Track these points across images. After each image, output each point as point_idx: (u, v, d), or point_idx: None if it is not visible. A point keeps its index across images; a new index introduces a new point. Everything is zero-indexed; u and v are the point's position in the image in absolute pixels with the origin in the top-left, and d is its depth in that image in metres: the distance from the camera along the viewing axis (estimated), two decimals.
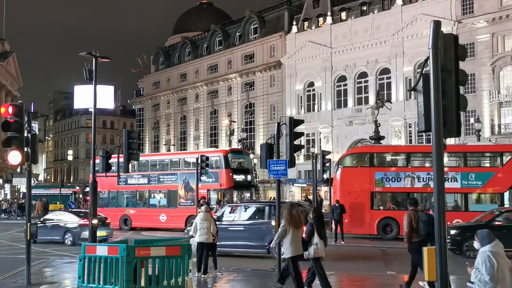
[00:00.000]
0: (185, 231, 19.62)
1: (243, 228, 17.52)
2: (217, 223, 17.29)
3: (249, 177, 30.23)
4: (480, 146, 26.89)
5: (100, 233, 20.24)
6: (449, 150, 24.51)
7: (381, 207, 24.81)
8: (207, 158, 29.50)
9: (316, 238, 10.17)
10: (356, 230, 24.35)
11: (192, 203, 28.45)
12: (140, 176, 32.24)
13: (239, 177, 29.23)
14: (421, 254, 10.78)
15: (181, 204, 29.74)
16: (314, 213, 10.72)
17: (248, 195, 29.90)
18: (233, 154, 30.37)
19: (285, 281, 11.20)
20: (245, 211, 18.40)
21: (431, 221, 10.56)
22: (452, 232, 17.95)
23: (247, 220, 17.91)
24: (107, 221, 23.65)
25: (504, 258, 6.70)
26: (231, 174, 28.44)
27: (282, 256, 11.25)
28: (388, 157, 26.03)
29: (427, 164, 23.86)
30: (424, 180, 23.43)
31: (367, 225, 24.26)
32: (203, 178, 27.02)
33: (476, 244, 7.02)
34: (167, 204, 30.67)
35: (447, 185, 22.38)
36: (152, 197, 31.80)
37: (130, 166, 32.43)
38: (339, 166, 25.62)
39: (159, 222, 30.32)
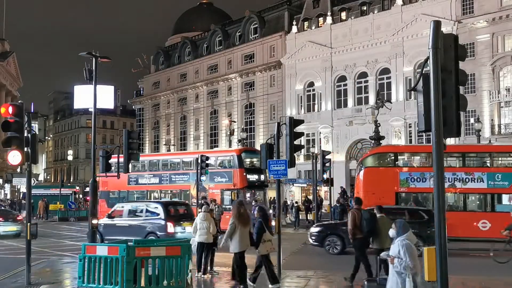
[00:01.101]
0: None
1: (127, 225, 18.98)
2: (108, 220, 19.19)
3: (262, 177, 29.68)
4: (506, 147, 26.63)
5: (10, 228, 25.19)
6: (475, 150, 24.39)
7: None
8: (207, 158, 29.46)
9: (268, 235, 10.68)
10: None
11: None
12: (151, 175, 31.86)
13: (253, 177, 28.73)
14: (362, 250, 11.89)
15: (193, 204, 29.29)
16: (260, 212, 11.15)
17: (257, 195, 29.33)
18: (246, 154, 29.92)
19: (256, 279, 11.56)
20: (132, 209, 19.85)
21: (372, 220, 11.74)
22: (315, 230, 19.55)
23: (130, 217, 19.34)
24: (18, 217, 26.12)
25: (415, 249, 7.22)
26: (244, 173, 27.98)
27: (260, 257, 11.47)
28: (413, 157, 25.58)
29: (453, 164, 23.65)
30: (450, 181, 22.91)
31: None
32: (217, 178, 26.94)
33: (391, 232, 7.39)
34: None
35: (473, 185, 22.43)
36: (163, 197, 31.35)
37: (140, 165, 32.22)
38: (362, 166, 25.12)
39: None
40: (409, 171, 24.05)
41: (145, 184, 31.80)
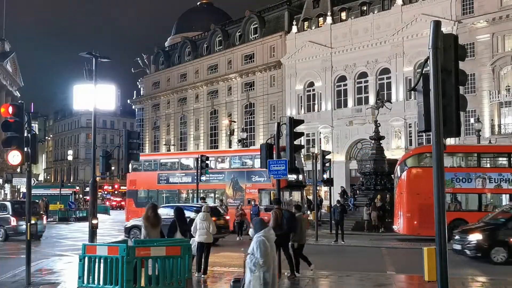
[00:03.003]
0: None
1: None
2: None
3: (300, 177, 29.01)
4: None
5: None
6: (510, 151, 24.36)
7: (452, 209, 23.89)
8: (207, 158, 29.34)
9: (178, 235, 11.20)
10: (426, 232, 23.17)
11: (242, 203, 27.32)
12: (183, 174, 31.07)
13: (291, 177, 27.55)
14: (282, 245, 12.71)
15: (229, 204, 28.48)
16: (176, 212, 11.68)
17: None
18: (285, 152, 29.47)
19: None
20: None
21: (292, 218, 13.24)
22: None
23: None
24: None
25: (273, 245, 7.28)
26: None
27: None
28: (460, 157, 25.30)
29: (499, 165, 23.54)
30: (496, 181, 22.91)
31: None
32: (254, 177, 26.40)
33: (250, 231, 7.44)
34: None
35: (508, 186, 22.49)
36: (195, 197, 30.11)
37: (171, 163, 31.29)
38: (405, 166, 24.68)
39: None
40: (454, 171, 23.71)
41: (176, 183, 31.01)
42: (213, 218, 14.31)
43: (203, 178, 28.41)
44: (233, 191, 28.67)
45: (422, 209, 23.14)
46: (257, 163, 27.56)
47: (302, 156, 32.33)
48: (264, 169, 27.16)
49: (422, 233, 23.49)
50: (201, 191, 30.13)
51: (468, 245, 16.54)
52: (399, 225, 24.44)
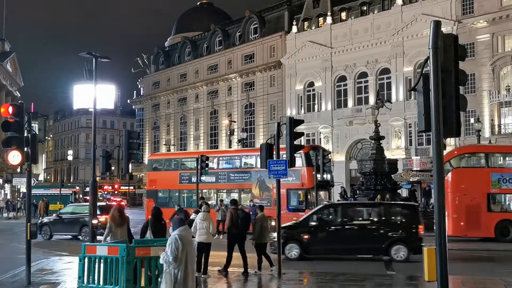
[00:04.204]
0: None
1: None
2: None
3: (328, 176, 28.39)
4: None
5: None
6: None
7: (499, 209, 23.73)
8: (207, 158, 29.21)
9: (148, 233, 11.57)
10: (472, 233, 23.41)
11: (269, 203, 26.44)
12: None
13: (318, 176, 27.16)
14: (233, 244, 13.37)
15: (256, 204, 28.18)
16: (153, 211, 12.05)
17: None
18: (313, 151, 28.19)
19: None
20: None
21: (246, 218, 14.13)
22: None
23: None
24: None
25: (190, 242, 7.46)
26: (313, 172, 26.55)
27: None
28: (506, 157, 25.06)
29: None
30: None
31: (483, 227, 23.19)
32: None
33: (170, 230, 7.65)
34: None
35: None
36: (221, 197, 29.66)
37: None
38: (451, 167, 24.17)
39: None
40: (501, 172, 23.47)
41: (199, 182, 30.22)
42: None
43: (203, 178, 28.26)
44: (260, 191, 27.77)
45: (469, 210, 22.95)
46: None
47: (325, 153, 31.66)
48: (294, 168, 26.76)
49: (469, 234, 23.28)
50: (229, 190, 29.54)
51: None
52: None
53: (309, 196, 26.08)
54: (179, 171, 31.90)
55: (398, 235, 16.29)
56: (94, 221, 14.31)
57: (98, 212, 23.89)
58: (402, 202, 21.00)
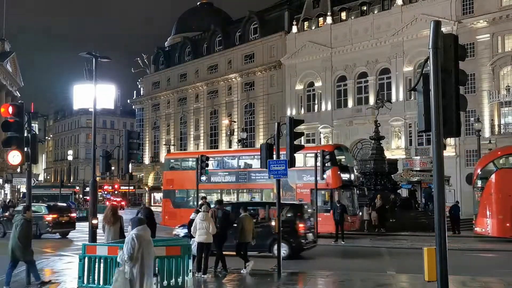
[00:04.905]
0: None
1: None
2: None
3: (352, 176, 27.88)
4: None
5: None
6: None
7: None
8: (207, 158, 29.13)
9: None
10: None
11: None
12: (226, 173, 29.52)
13: (345, 176, 26.84)
14: (216, 242, 13.30)
15: None
16: (143, 211, 12.35)
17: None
18: (338, 151, 27.66)
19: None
20: None
21: (225, 218, 14.37)
22: None
23: None
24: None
25: (147, 242, 7.55)
26: (339, 172, 26.19)
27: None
28: None
29: None
30: None
31: None
32: (306, 176, 25.33)
33: (129, 228, 7.79)
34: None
35: None
36: (241, 197, 29.08)
37: (214, 161, 30.17)
38: (495, 167, 23.88)
39: None
40: None
41: (219, 182, 29.45)
42: None
43: (203, 178, 28.17)
44: (282, 191, 27.51)
45: None
46: (310, 161, 26.54)
47: (349, 153, 30.18)
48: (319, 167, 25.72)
49: None
50: (250, 190, 28.83)
51: None
52: (487, 227, 23.63)
53: (334, 196, 25.56)
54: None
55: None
56: (94, 221, 14.31)
57: (46, 212, 24.53)
58: (287, 202, 21.25)
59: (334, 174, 25.85)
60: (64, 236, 25.43)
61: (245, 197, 28.79)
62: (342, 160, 27.59)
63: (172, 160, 34.86)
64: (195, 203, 28.74)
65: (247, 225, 14.16)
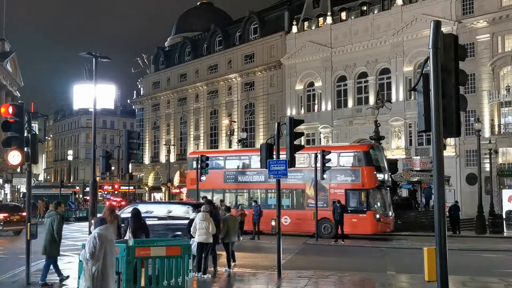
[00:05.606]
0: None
1: None
2: None
3: (386, 176, 27.26)
4: None
5: None
6: None
7: None
8: (207, 158, 29.09)
9: (128, 234, 11.88)
10: None
11: (325, 204, 25.59)
12: (254, 172, 28.67)
13: (380, 176, 26.24)
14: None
15: (309, 205, 26.35)
16: (132, 212, 12.54)
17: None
18: (373, 150, 26.91)
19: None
20: None
21: (214, 218, 14.10)
22: None
23: None
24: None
25: (109, 241, 7.62)
26: (374, 172, 25.57)
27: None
28: None
29: None
30: None
31: None
32: (340, 176, 25.19)
33: (92, 228, 8.13)
34: (291, 205, 27.54)
35: None
36: (270, 197, 28.46)
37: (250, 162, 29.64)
38: None
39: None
40: None
41: (247, 182, 28.90)
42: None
43: (203, 178, 28.14)
44: (314, 191, 26.26)
45: None
46: (345, 161, 26.30)
47: (383, 152, 29.48)
48: (354, 167, 25.67)
49: None
50: (272, 190, 27.61)
51: None
52: None
53: (370, 197, 25.16)
54: (224, 170, 30.63)
55: (178, 227, 17.02)
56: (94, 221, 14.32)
57: None
58: (184, 202, 21.78)
59: (370, 174, 25.32)
60: (17, 234, 26.60)
61: (272, 197, 28.04)
62: (377, 159, 26.88)
63: (197, 159, 33.98)
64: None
65: (232, 225, 14.32)
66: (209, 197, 29.73)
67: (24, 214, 28.02)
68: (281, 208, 27.02)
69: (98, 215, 14.11)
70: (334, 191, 25.54)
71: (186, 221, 15.03)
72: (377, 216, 24.96)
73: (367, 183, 25.18)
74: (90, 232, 14.27)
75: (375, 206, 25.40)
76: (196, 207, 15.87)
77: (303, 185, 27.12)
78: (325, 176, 24.20)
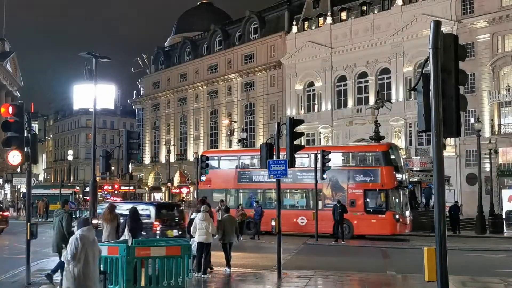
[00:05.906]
0: None
1: None
2: None
3: (404, 176, 26.84)
4: None
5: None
6: None
7: None
8: (207, 158, 29.03)
9: (126, 232, 12.33)
10: None
11: (342, 205, 24.49)
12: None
13: (399, 176, 25.78)
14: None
15: (327, 205, 25.84)
16: (129, 211, 12.85)
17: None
18: (392, 150, 26.50)
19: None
20: None
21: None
22: None
23: None
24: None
25: (91, 242, 7.64)
26: (394, 172, 25.13)
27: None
28: None
29: None
30: None
31: None
32: (359, 176, 24.87)
33: (75, 229, 8.06)
34: (308, 206, 27.03)
35: None
36: (286, 197, 27.86)
37: (256, 160, 28.59)
38: None
39: (297, 226, 26.57)
40: None
41: (261, 181, 28.03)
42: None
43: (203, 178, 28.13)
44: (332, 191, 26.04)
45: None
46: (363, 161, 26.07)
47: (399, 152, 29.04)
48: (373, 167, 25.30)
49: None
50: (296, 190, 27.95)
51: None
52: None
53: (389, 197, 24.83)
54: (238, 169, 30.07)
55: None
56: (94, 221, 14.33)
57: None
58: (148, 202, 22.08)
59: (389, 174, 24.91)
60: None
61: (292, 197, 27.92)
62: (395, 159, 26.52)
63: (210, 158, 33.66)
64: (237, 202, 28.33)
65: (229, 226, 14.28)
66: (223, 198, 29.85)
67: (6, 214, 29.55)
68: (297, 208, 27.50)
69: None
70: (353, 191, 25.23)
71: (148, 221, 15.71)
72: (397, 216, 24.55)
73: (386, 183, 24.76)
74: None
75: (395, 206, 25.02)
76: (158, 208, 17.04)
77: (319, 185, 26.37)
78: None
